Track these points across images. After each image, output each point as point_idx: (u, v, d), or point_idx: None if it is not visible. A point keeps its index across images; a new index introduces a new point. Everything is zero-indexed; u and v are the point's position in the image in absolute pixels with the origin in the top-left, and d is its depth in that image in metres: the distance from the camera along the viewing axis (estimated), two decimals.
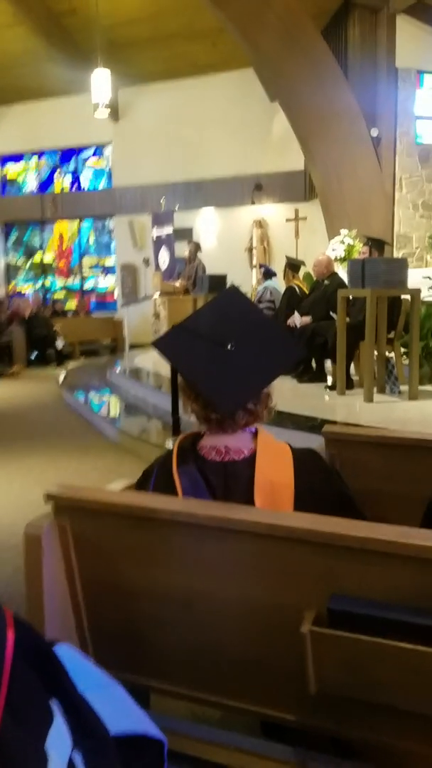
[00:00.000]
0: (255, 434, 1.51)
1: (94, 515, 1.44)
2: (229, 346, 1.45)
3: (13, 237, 16.80)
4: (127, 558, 1.44)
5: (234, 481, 1.45)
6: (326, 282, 6.86)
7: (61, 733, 0.87)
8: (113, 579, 1.47)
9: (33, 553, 1.45)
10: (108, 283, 16.07)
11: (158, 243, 11.45)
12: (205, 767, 1.49)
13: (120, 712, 1.13)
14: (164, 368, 8.76)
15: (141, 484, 1.59)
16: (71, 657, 1.02)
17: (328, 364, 6.76)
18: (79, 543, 1.48)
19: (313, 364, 6.80)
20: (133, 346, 11.97)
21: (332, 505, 1.35)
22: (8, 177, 16.55)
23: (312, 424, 4.61)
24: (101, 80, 11.10)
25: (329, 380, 6.47)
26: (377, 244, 6.63)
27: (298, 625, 1.25)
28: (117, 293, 15.62)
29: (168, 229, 11.13)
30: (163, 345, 1.54)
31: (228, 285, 9.09)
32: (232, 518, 1.28)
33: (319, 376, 6.68)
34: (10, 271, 16.99)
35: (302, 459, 1.47)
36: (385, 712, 1.28)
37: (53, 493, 1.47)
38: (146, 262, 14.51)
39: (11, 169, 16.48)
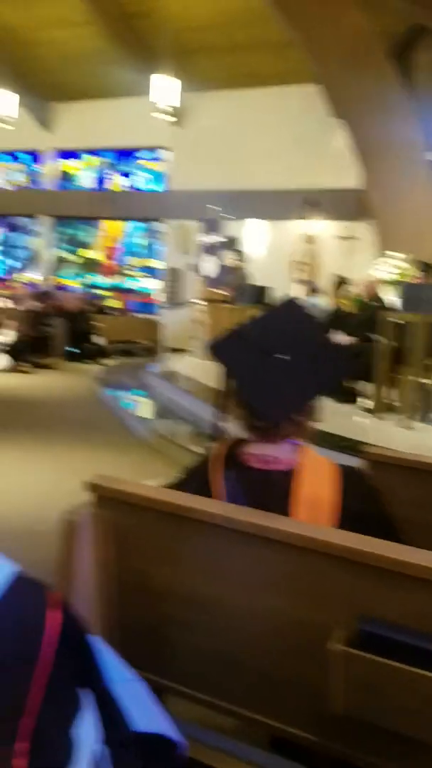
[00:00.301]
0: (298, 446, 1.51)
1: (132, 509, 1.45)
2: (280, 356, 1.45)
3: (63, 231, 17.07)
4: (160, 555, 1.45)
5: (274, 491, 1.44)
6: (373, 303, 6.80)
7: (91, 722, 0.87)
8: (144, 575, 1.47)
9: (68, 540, 1.47)
10: (151, 285, 16.21)
11: (205, 249, 11.51)
12: None
13: (142, 709, 1.14)
14: (198, 373, 8.80)
15: (179, 484, 1.60)
16: (101, 650, 1.02)
17: (366, 386, 6.69)
18: (115, 535, 1.49)
19: (351, 386, 6.74)
20: (170, 350, 12.04)
21: (373, 526, 1.33)
22: (65, 172, 16.84)
23: (345, 445, 4.57)
24: (164, 84, 11.23)
25: (366, 402, 6.41)
26: (430, 269, 6.57)
27: (325, 642, 1.24)
28: (159, 296, 15.73)
29: (216, 237, 11.19)
30: (216, 348, 1.54)
31: (269, 296, 9.12)
32: (271, 527, 1.28)
33: (356, 398, 6.61)
34: (57, 265, 17.26)
35: (347, 476, 1.45)
36: (404, 742, 1.26)
37: (94, 482, 1.48)
38: (191, 267, 14.59)
39: (68, 164, 16.78)
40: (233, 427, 1.60)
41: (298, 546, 1.26)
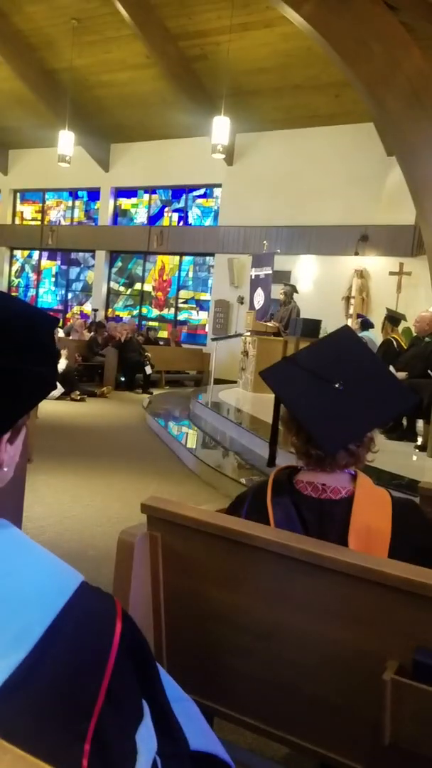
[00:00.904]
0: (354, 476, 1.52)
1: (186, 531, 1.48)
2: (338, 385, 1.47)
3: (117, 265, 17.53)
4: (212, 579, 1.47)
5: (329, 519, 1.45)
6: (427, 339, 6.74)
7: (150, 732, 0.90)
8: (196, 597, 1.49)
9: (124, 560, 1.50)
10: (201, 316, 16.42)
11: (255, 283, 11.62)
12: None
13: (195, 728, 1.15)
14: (246, 405, 8.83)
15: (233, 509, 1.62)
16: (158, 668, 1.05)
17: (419, 423, 6.60)
18: (169, 557, 1.52)
19: (404, 422, 6.66)
20: (218, 381, 12.11)
21: (428, 559, 1.33)
22: (121, 208, 17.37)
23: (398, 482, 4.50)
24: (221, 126, 11.53)
25: (419, 440, 6.31)
26: None
27: (378, 673, 1.23)
28: (209, 327, 15.91)
29: (267, 270, 11.29)
30: (271, 375, 1.57)
31: (320, 329, 9.10)
32: (326, 555, 1.29)
33: (409, 435, 6.52)
34: (111, 297, 17.69)
35: (402, 508, 1.45)
36: None
37: (149, 503, 1.52)
38: (241, 300, 14.74)
39: (125, 202, 17.30)
40: (289, 455, 1.62)
41: (353, 575, 1.26)
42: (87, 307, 17.85)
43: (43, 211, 18.55)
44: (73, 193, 18.05)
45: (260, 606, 1.40)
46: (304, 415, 1.49)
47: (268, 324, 10.71)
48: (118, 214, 17.41)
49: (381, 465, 4.88)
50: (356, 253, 13.03)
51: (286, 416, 1.57)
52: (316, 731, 1.40)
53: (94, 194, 17.65)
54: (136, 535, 1.52)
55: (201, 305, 16.40)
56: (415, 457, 5.84)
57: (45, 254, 18.56)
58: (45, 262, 18.68)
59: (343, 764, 1.38)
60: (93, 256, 17.64)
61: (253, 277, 11.83)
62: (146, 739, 0.86)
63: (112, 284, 17.64)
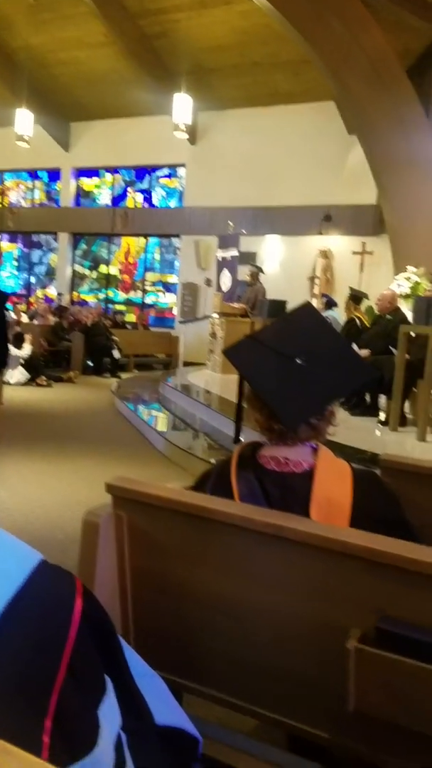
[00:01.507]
0: (316, 450, 1.53)
1: (151, 510, 1.47)
2: (298, 360, 1.47)
3: (81, 247, 17.29)
4: (178, 556, 1.47)
5: (291, 492, 1.46)
6: (389, 317, 6.82)
7: (113, 708, 0.90)
8: (162, 575, 1.50)
9: (89, 541, 1.49)
10: (168, 299, 16.33)
11: (222, 264, 11.59)
12: None
13: (161, 703, 1.15)
14: (215, 387, 8.84)
15: (198, 486, 1.62)
16: (122, 644, 1.05)
17: (382, 399, 6.69)
18: (134, 536, 1.52)
19: (367, 398, 6.75)
20: (187, 363, 12.10)
21: (389, 530, 1.35)
22: (84, 189, 17.09)
23: (361, 457, 4.57)
24: (183, 104, 11.40)
25: (382, 416, 6.40)
26: None
27: (342, 642, 1.25)
28: (176, 310, 15.84)
29: (233, 252, 11.26)
30: (233, 354, 1.57)
31: (286, 311, 9.11)
32: (288, 527, 1.30)
33: (371, 411, 6.61)
34: (75, 280, 17.46)
35: (363, 479, 1.47)
36: (424, 742, 1.26)
37: (114, 483, 1.51)
38: (208, 282, 14.70)
39: (87, 182, 17.03)
40: (252, 431, 1.62)
41: (315, 546, 1.27)
42: (51, 291, 17.61)
43: (2, 193, 18.16)
44: (33, 174, 17.70)
45: (225, 580, 1.41)
46: (265, 391, 1.49)
47: (235, 306, 10.71)
48: (81, 195, 17.14)
49: (345, 440, 4.94)
50: (320, 233, 13.07)
51: (250, 393, 1.58)
52: (284, 702, 1.42)
53: (54, 174, 17.33)
54: (101, 515, 1.51)
55: (168, 288, 16.30)
56: (378, 432, 5.93)
57: (5, 237, 18.20)
58: (6, 245, 18.33)
59: (311, 734, 1.40)
60: (56, 239, 17.37)
61: (219, 258, 11.80)
62: (109, 714, 0.86)
63: (77, 267, 17.40)
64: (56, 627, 0.80)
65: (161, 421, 7.93)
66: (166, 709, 1.16)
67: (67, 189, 17.01)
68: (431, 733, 1.21)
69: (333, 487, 1.44)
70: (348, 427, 5.89)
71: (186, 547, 1.46)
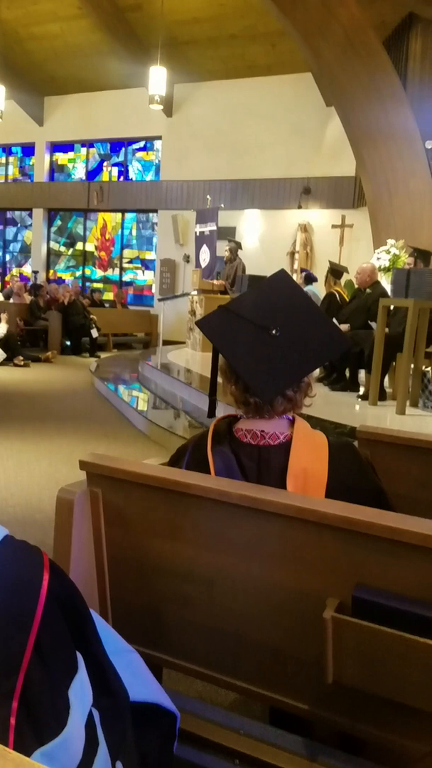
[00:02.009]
0: (292, 422, 1.51)
1: (126, 486, 1.45)
2: (273, 332, 1.44)
3: (57, 224, 17.02)
4: (154, 531, 1.45)
5: (267, 465, 1.45)
6: (368, 291, 6.80)
7: (84, 686, 0.88)
8: (139, 551, 1.48)
9: (64, 519, 1.47)
10: (147, 277, 16.19)
11: (200, 240, 11.47)
12: (213, 749, 1.49)
13: (137, 680, 1.14)
14: (195, 365, 8.80)
15: (174, 462, 1.60)
16: (96, 620, 1.03)
17: (362, 373, 6.71)
18: (109, 512, 1.49)
19: (347, 373, 6.76)
20: (166, 342, 12.02)
21: (364, 500, 1.34)
22: (58, 163, 16.78)
23: (341, 431, 4.59)
24: (158, 76, 11.20)
25: (362, 390, 6.43)
26: (423, 256, 6.56)
27: (321, 612, 1.24)
28: (155, 288, 15.71)
29: (211, 227, 11.14)
30: (206, 325, 1.54)
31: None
32: (264, 499, 1.28)
33: (351, 386, 6.63)
34: (51, 258, 17.22)
35: (338, 450, 1.46)
36: (402, 711, 1.26)
37: (88, 460, 1.48)
38: (186, 258, 14.57)
39: (61, 157, 16.72)
40: (228, 406, 1.60)
41: (291, 517, 1.26)
42: (27, 269, 17.35)
43: None
44: (6, 149, 17.33)
45: (202, 554, 1.40)
46: (240, 364, 1.47)
47: (215, 282, 10.63)
48: (55, 169, 16.84)
49: (325, 415, 4.96)
50: (299, 207, 12.99)
51: (225, 366, 1.55)
52: (262, 675, 1.42)
53: (28, 150, 16.99)
54: (75, 492, 1.49)
55: (146, 265, 16.14)
56: (357, 407, 5.95)
57: None
58: None
59: (290, 705, 1.40)
60: (30, 215, 17.07)
61: (197, 234, 11.67)
62: (80, 693, 0.84)
63: (52, 244, 17.15)
64: (22, 604, 0.77)
65: (141, 400, 7.89)
66: (141, 685, 1.15)
67: (41, 164, 16.70)
68: (408, 702, 1.21)
69: (309, 458, 1.43)
70: (328, 402, 5.91)
71: (162, 522, 1.44)
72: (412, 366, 5.72)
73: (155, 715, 1.17)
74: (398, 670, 1.20)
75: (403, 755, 1.36)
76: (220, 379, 1.59)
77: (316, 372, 7.30)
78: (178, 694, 1.60)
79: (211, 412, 1.65)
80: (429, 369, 6.06)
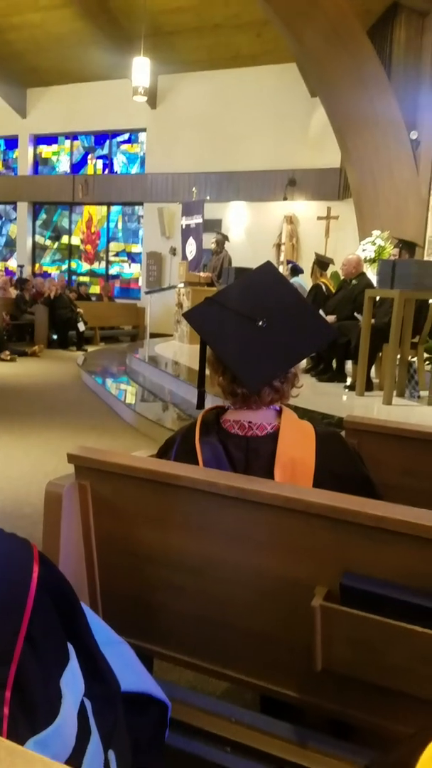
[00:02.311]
0: (279, 412, 1.52)
1: (114, 478, 1.46)
2: (260, 323, 1.45)
3: (41, 217, 16.90)
4: (143, 523, 1.46)
5: (255, 455, 1.46)
6: (354, 282, 6.83)
7: (76, 676, 0.88)
8: (128, 543, 1.48)
9: (52, 511, 1.47)
10: (133, 270, 16.13)
11: (186, 232, 11.44)
12: (204, 738, 1.50)
13: (128, 670, 1.15)
14: (183, 357, 8.80)
15: (162, 453, 1.61)
16: (86, 612, 1.03)
17: (349, 364, 6.74)
18: (98, 504, 1.50)
19: (334, 364, 6.79)
20: (154, 335, 12.00)
21: (351, 488, 1.35)
22: (42, 156, 16.64)
23: (329, 422, 4.61)
24: (142, 67, 11.12)
25: (349, 381, 6.46)
26: (408, 246, 6.59)
27: (309, 600, 1.26)
28: (141, 281, 15.66)
29: (197, 219, 11.11)
30: (194, 317, 1.54)
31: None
32: (252, 489, 1.29)
33: (339, 376, 6.66)
34: (37, 251, 17.10)
35: (325, 439, 1.47)
36: (389, 696, 1.28)
37: (76, 453, 1.49)
38: (173, 251, 14.53)
39: (45, 149, 16.58)
40: (216, 396, 1.61)
41: (279, 507, 1.27)
42: (12, 263, 17.22)
43: None
44: None
45: (191, 544, 1.41)
46: (227, 354, 1.47)
47: (201, 275, 10.61)
48: (39, 162, 16.70)
49: (313, 406, 4.98)
50: (285, 198, 12.98)
51: (212, 357, 1.55)
52: (252, 663, 1.43)
53: (11, 142, 16.83)
54: (64, 485, 1.49)
55: (133, 258, 16.07)
56: (345, 397, 5.98)
57: None
58: None
59: (281, 693, 1.42)
60: (15, 209, 16.94)
61: (183, 226, 11.64)
62: (71, 683, 0.85)
63: (38, 238, 17.03)
64: (12, 595, 0.78)
65: (129, 393, 7.88)
66: (132, 675, 1.16)
67: (24, 157, 16.54)
68: (395, 687, 1.23)
69: (296, 447, 1.44)
70: (315, 393, 5.94)
71: (151, 513, 1.45)
72: (399, 356, 5.75)
73: (146, 704, 1.18)
74: (385, 656, 1.22)
75: (390, 739, 1.39)
76: (207, 371, 1.60)
77: (303, 363, 7.31)
78: (169, 684, 1.61)
79: (200, 404, 1.66)
80: (415, 359, 6.10)
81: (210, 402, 1.67)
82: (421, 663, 1.18)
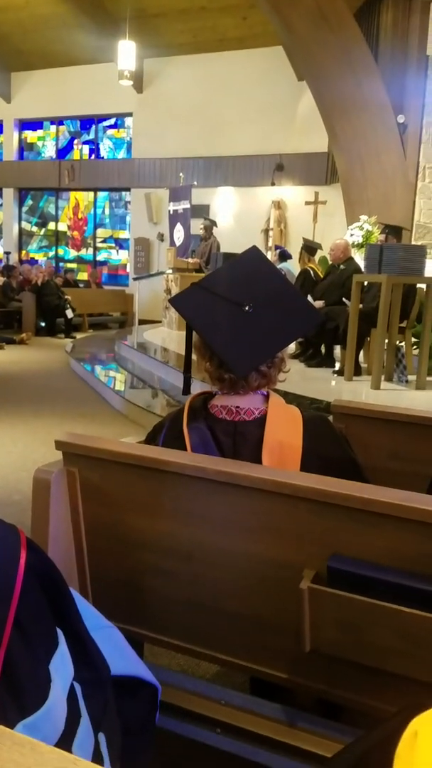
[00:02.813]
0: (267, 397, 1.52)
1: (103, 464, 1.46)
2: (246, 308, 1.45)
3: (28, 203, 16.73)
4: (132, 508, 1.46)
5: (243, 440, 1.46)
6: (342, 267, 6.82)
7: (65, 660, 0.89)
8: (117, 528, 1.49)
9: (41, 498, 1.47)
10: (121, 256, 16.03)
11: (174, 218, 11.37)
12: (194, 720, 1.52)
13: (117, 654, 1.16)
14: (172, 344, 8.78)
15: (151, 439, 1.61)
16: (75, 597, 1.04)
17: (337, 349, 6.76)
18: (87, 491, 1.50)
19: (323, 349, 6.80)
20: (143, 321, 11.96)
21: (339, 471, 1.36)
22: (27, 141, 16.45)
23: (317, 407, 4.63)
24: (127, 51, 10.99)
25: (337, 366, 6.47)
26: (395, 231, 6.59)
27: (298, 583, 1.27)
28: (129, 267, 15.57)
29: (185, 205, 11.04)
30: (180, 302, 1.54)
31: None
32: (239, 474, 1.30)
33: (327, 361, 6.68)
34: (23, 238, 16.94)
35: (312, 423, 1.48)
36: (375, 675, 1.30)
37: (64, 440, 1.49)
38: (161, 237, 14.44)
39: (30, 135, 16.38)
40: (204, 381, 1.61)
41: (267, 491, 1.28)
42: None
43: None
44: None
45: (180, 529, 1.41)
46: (214, 340, 1.47)
47: (189, 261, 10.57)
48: (24, 147, 16.49)
49: (302, 391, 5.00)
50: (272, 183, 12.92)
51: (199, 342, 1.55)
52: (242, 646, 1.44)
53: None
54: (52, 472, 1.49)
55: (120, 244, 15.96)
56: (333, 382, 6.00)
57: None
58: None
59: (270, 675, 1.43)
60: (0, 195, 16.74)
61: (171, 212, 11.56)
62: (61, 667, 0.85)
63: (24, 224, 16.86)
64: (1, 581, 0.78)
65: (118, 380, 7.86)
66: (122, 659, 1.16)
67: (9, 142, 16.34)
68: (380, 667, 1.25)
69: (284, 431, 1.45)
70: (304, 378, 5.95)
71: (139, 499, 1.46)
72: (386, 341, 5.77)
73: (136, 687, 1.19)
74: (371, 636, 1.24)
75: (378, 718, 1.41)
76: (194, 356, 1.60)
77: (292, 348, 7.32)
78: (159, 668, 1.62)
79: (186, 389, 1.66)
80: (403, 344, 6.13)
81: (198, 388, 1.67)
82: (406, 642, 1.20)
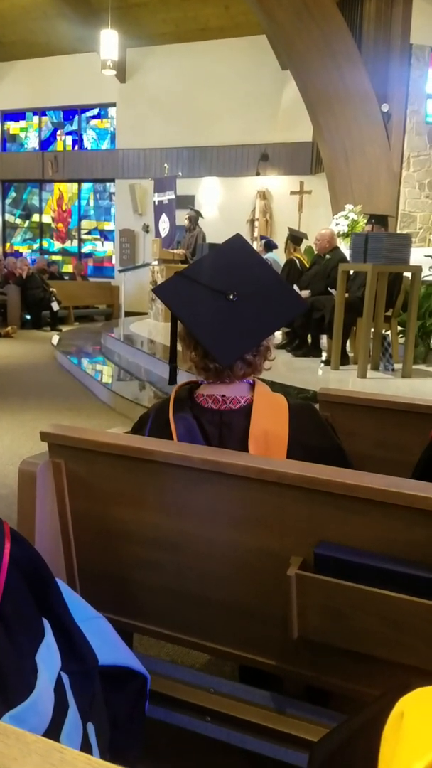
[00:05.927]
0: (252, 385, 1.52)
1: (88, 455, 1.45)
2: (231, 296, 1.44)
3: (11, 195, 16.57)
4: (119, 499, 1.46)
5: (229, 429, 1.46)
6: (327, 256, 6.82)
7: (51, 651, 0.88)
8: (104, 519, 1.48)
9: (27, 490, 1.46)
10: (106, 248, 15.93)
11: (159, 209, 11.31)
12: (184, 708, 1.53)
13: (106, 644, 1.15)
14: (158, 336, 8.75)
15: (137, 429, 1.60)
16: (63, 588, 1.03)
17: (324, 339, 6.77)
18: (73, 482, 1.49)
19: (309, 339, 6.80)
20: (129, 313, 11.91)
21: (325, 459, 1.36)
22: (10, 133, 16.27)
23: (304, 396, 4.64)
24: (109, 40, 10.89)
25: (324, 355, 6.49)
26: (380, 220, 6.59)
27: (284, 571, 1.27)
28: (115, 259, 15.49)
29: (170, 195, 10.99)
30: (164, 292, 1.53)
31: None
32: (225, 462, 1.29)
33: (314, 351, 6.69)
34: (7, 231, 16.79)
35: (298, 411, 1.48)
36: (362, 661, 1.31)
37: (49, 431, 1.48)
38: (146, 228, 14.37)
39: (12, 126, 16.20)
40: (189, 372, 1.60)
41: (252, 479, 1.28)
42: None
43: None
44: None
45: (166, 519, 1.41)
46: (199, 329, 1.47)
47: (175, 252, 10.52)
48: (7, 139, 16.32)
49: (289, 380, 5.01)
50: (257, 173, 12.88)
51: (183, 332, 1.54)
52: (231, 634, 1.45)
53: None
54: (38, 463, 1.48)
55: (105, 236, 15.86)
56: (320, 372, 6.02)
57: None
58: None
59: (258, 662, 1.44)
60: None
61: (156, 203, 11.50)
62: (47, 658, 0.85)
63: (8, 217, 16.71)
64: None
65: (105, 372, 7.83)
66: (110, 649, 1.16)
67: None
68: (366, 652, 1.26)
69: (270, 419, 1.45)
70: (291, 368, 5.96)
71: (126, 489, 1.45)
72: (373, 330, 5.79)
73: (125, 677, 1.19)
74: (358, 622, 1.24)
75: (364, 703, 1.42)
76: (180, 346, 1.59)
77: (278, 337, 7.30)
78: (148, 658, 1.63)
79: (172, 379, 1.65)
80: (389, 332, 6.15)
81: (184, 378, 1.66)
82: (392, 628, 1.21)
